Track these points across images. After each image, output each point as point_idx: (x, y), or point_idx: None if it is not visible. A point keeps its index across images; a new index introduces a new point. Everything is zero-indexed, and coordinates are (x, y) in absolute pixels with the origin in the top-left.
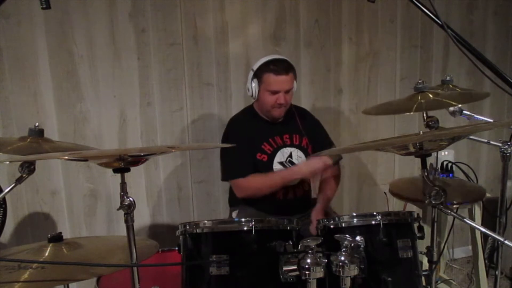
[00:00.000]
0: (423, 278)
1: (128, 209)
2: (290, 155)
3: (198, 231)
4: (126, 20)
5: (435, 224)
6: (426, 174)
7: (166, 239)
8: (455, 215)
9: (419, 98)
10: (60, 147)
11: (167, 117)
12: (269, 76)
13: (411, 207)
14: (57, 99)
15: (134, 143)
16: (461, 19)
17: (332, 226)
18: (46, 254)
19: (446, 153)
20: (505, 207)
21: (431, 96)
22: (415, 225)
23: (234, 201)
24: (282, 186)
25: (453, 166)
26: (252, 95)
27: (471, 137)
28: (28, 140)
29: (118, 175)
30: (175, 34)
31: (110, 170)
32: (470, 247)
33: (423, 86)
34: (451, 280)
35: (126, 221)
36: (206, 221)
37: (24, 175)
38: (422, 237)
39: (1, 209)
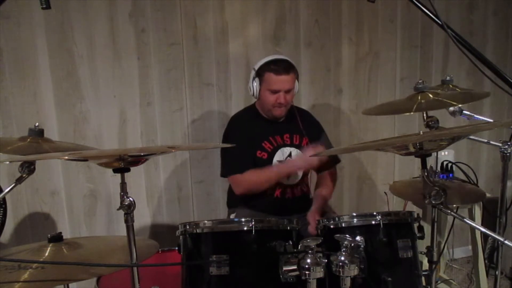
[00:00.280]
0: (423, 278)
1: (128, 209)
2: (290, 155)
3: (198, 231)
4: (126, 20)
5: (435, 224)
6: (426, 174)
7: (166, 239)
8: (455, 215)
9: (419, 98)
10: (60, 147)
11: (167, 117)
12: (270, 75)
13: (411, 207)
14: (57, 99)
15: (134, 143)
16: (461, 19)
17: (332, 226)
18: (46, 254)
19: (446, 153)
20: (505, 207)
21: (431, 96)
22: (415, 225)
23: (232, 202)
24: (278, 180)
25: (453, 166)
26: (253, 94)
27: (471, 137)
28: (28, 140)
29: (118, 175)
30: (175, 34)
31: (110, 170)
32: (470, 247)
33: (423, 86)
34: (451, 280)
35: (126, 221)
36: (206, 221)
37: (24, 175)
38: (422, 237)
39: (1, 209)
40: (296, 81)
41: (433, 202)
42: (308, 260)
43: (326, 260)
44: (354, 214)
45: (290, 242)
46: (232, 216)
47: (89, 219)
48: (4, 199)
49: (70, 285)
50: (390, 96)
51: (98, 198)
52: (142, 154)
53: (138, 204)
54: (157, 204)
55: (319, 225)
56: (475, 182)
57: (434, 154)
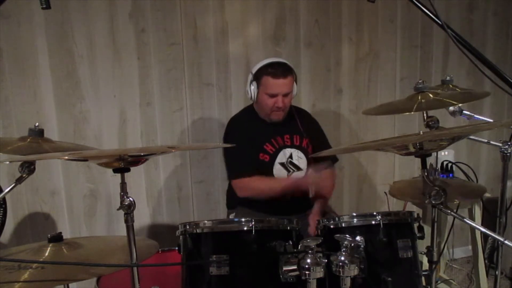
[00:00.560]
0: (423, 278)
1: (128, 209)
2: (291, 156)
3: (198, 231)
4: (126, 20)
5: (435, 224)
6: (426, 174)
7: (166, 239)
8: (455, 215)
9: (419, 98)
10: (60, 147)
11: (167, 117)
12: (267, 79)
13: (411, 207)
14: (57, 99)
15: (134, 143)
16: (461, 19)
17: (332, 226)
18: (46, 254)
19: (446, 153)
20: (505, 207)
21: (431, 96)
22: (415, 225)
23: (231, 203)
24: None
25: (453, 166)
26: (251, 98)
27: (471, 137)
28: (28, 140)
29: (118, 175)
30: (175, 34)
31: (110, 170)
32: (470, 247)
33: (423, 86)
34: (451, 280)
35: (126, 221)
36: (206, 221)
37: (24, 175)
38: (422, 237)
39: (1, 209)
40: (295, 83)
41: (433, 202)
42: (308, 260)
43: (326, 260)
44: (354, 214)
45: (290, 242)
46: (231, 216)
47: (89, 219)
48: (4, 199)
49: (70, 285)
50: (390, 96)
51: (98, 198)
52: (142, 154)
53: (138, 204)
54: (157, 204)
55: (319, 225)
56: (475, 182)
57: (434, 154)
